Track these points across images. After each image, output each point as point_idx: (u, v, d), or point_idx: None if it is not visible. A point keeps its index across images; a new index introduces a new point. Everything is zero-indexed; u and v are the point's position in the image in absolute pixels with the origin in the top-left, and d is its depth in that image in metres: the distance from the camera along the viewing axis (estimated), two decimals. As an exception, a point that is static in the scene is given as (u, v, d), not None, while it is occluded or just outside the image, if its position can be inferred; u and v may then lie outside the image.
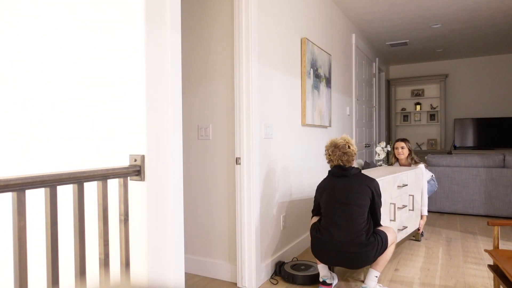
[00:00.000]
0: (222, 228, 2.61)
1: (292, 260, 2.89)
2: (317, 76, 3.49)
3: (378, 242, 2.20)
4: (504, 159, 4.38)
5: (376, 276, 2.25)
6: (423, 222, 3.40)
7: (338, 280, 2.56)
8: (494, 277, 1.98)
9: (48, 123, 1.72)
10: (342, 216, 2.23)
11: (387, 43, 5.92)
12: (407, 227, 3.08)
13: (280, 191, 2.84)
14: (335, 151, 2.34)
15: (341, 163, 2.34)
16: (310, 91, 3.33)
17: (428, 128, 7.58)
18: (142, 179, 1.45)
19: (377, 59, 6.32)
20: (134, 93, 1.47)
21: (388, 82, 7.76)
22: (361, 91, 5.28)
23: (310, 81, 3.32)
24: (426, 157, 4.77)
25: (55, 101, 1.69)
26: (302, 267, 2.63)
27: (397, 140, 3.61)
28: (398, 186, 2.92)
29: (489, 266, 1.97)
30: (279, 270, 2.63)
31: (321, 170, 3.75)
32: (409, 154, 3.55)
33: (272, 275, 2.66)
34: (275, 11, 2.75)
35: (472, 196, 4.46)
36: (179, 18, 1.59)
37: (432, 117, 7.50)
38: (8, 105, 1.85)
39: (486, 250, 1.99)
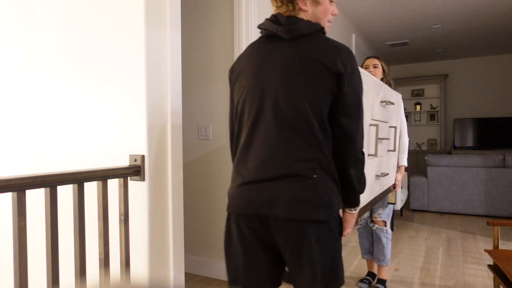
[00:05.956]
0: (222, 228, 2.61)
1: (292, 260, 2.88)
2: (317, 76, 3.48)
3: (335, 216, 1.03)
4: (504, 159, 4.38)
5: None
6: (400, 176, 2.19)
7: None
8: (494, 277, 1.98)
9: (48, 123, 1.72)
10: (265, 135, 1.03)
11: (387, 43, 5.92)
12: (388, 174, 1.88)
13: (280, 191, 2.84)
14: None
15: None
16: (310, 91, 3.33)
17: (428, 128, 7.58)
18: (142, 179, 1.45)
19: (377, 59, 6.32)
20: (134, 93, 1.47)
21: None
22: (361, 91, 5.26)
23: (310, 81, 3.31)
24: (426, 157, 4.77)
25: (55, 101, 1.69)
26: (302, 267, 2.62)
27: (368, 57, 2.31)
28: (381, 103, 1.62)
29: (489, 266, 1.97)
30: (279, 270, 2.62)
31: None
32: (383, 78, 2.26)
33: (272, 275, 2.66)
34: (275, 11, 2.75)
35: (472, 196, 4.46)
36: (179, 18, 1.59)
37: (432, 117, 7.49)
38: (8, 105, 1.85)
39: (486, 250, 1.99)
